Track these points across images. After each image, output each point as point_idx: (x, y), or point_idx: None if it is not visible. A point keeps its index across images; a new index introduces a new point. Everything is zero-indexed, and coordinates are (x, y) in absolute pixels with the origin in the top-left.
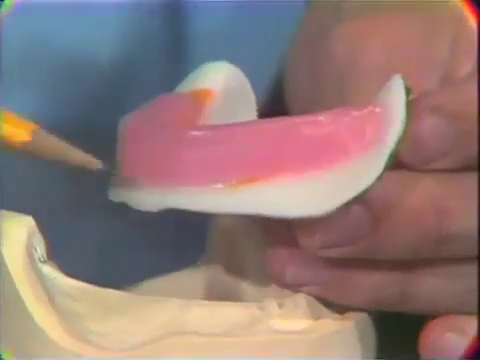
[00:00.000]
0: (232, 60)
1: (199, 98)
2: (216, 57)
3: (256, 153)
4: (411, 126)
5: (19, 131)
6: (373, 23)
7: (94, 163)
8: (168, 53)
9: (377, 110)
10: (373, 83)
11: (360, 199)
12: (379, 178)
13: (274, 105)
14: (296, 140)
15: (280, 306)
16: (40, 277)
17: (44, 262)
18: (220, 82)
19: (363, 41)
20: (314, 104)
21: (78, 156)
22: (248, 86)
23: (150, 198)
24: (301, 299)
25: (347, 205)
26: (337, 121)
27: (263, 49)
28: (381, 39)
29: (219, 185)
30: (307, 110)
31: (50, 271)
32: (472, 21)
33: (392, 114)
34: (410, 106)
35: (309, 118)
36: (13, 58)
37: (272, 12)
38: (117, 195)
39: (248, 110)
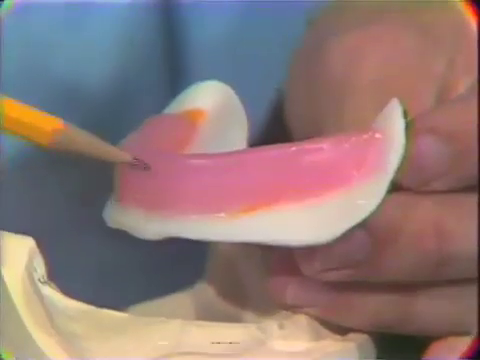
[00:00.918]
0: (231, 80)
1: (191, 118)
2: (214, 78)
3: (258, 181)
4: (411, 150)
5: (45, 127)
6: (369, 37)
7: (123, 156)
8: (165, 74)
9: (377, 136)
10: (369, 99)
11: (362, 226)
12: (381, 205)
13: (275, 124)
14: (297, 168)
15: (280, 327)
16: (40, 298)
17: (44, 283)
18: (211, 102)
19: (359, 56)
20: (312, 121)
21: (107, 149)
22: (239, 105)
23: (151, 227)
24: (302, 320)
25: (349, 233)
26: (338, 149)
27: (262, 68)
28: (377, 54)
29: (221, 214)
30: (306, 128)
31: (50, 292)
32: (472, 30)
33: (392, 140)
34: (409, 130)
35: (310, 145)
36: (9, 80)
37: (271, 31)
38: (116, 222)
39: (240, 129)
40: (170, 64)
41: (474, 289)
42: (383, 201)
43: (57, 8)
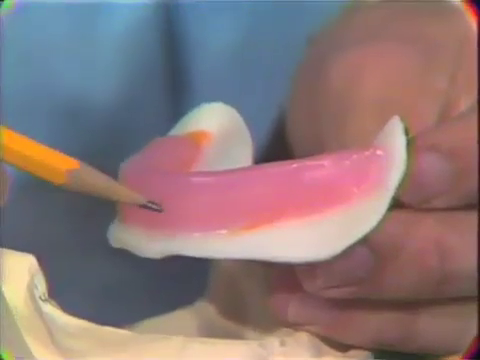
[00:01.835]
0: (233, 93)
1: (196, 140)
2: (217, 97)
3: (259, 199)
4: (412, 167)
5: (59, 166)
6: (370, 54)
7: (137, 198)
8: (168, 93)
9: (378, 153)
10: (370, 117)
11: (362, 243)
12: (381, 221)
13: (276, 140)
14: (298, 185)
15: (282, 344)
16: (41, 315)
17: (45, 300)
18: (216, 123)
19: (360, 73)
20: (314, 138)
21: (120, 190)
22: (244, 126)
23: (153, 245)
24: (303, 337)
25: (349, 249)
26: (339, 165)
27: (265, 79)
28: (378, 71)
29: (223, 231)
30: (307, 145)
31: (50, 309)
32: (472, 44)
33: (393, 157)
34: (410, 148)
35: (311, 162)
36: (12, 99)
37: (274, 43)
38: (118, 242)
39: (244, 150)
40: (173, 77)
41: (475, 308)
42: (384, 218)
43: (60, 23)
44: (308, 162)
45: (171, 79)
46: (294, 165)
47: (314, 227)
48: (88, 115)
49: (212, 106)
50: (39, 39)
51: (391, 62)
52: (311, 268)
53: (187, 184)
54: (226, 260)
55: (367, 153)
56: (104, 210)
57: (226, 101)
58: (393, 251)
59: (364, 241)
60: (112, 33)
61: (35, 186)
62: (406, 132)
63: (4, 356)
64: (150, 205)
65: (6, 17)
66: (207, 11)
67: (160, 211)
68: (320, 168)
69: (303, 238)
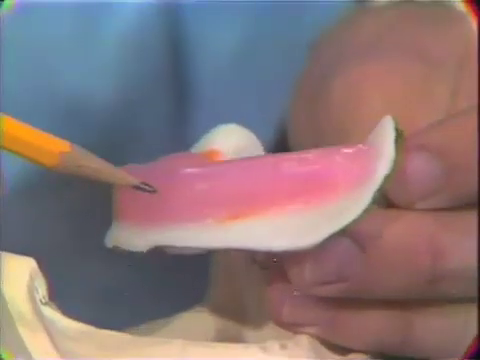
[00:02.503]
0: (235, 100)
1: (207, 158)
2: (218, 98)
3: (244, 189)
4: (400, 163)
5: (52, 148)
6: (371, 71)
7: (130, 179)
8: (170, 94)
9: (366, 147)
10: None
11: (345, 232)
12: (365, 212)
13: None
14: (282, 176)
15: (282, 347)
16: (41, 318)
17: (45, 304)
18: (229, 144)
19: (361, 91)
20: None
21: (113, 172)
22: (260, 148)
23: (139, 238)
24: (303, 340)
25: (332, 238)
26: (325, 158)
27: (265, 98)
28: (379, 89)
29: (208, 220)
30: None
31: (51, 312)
32: (473, 58)
33: (381, 151)
34: (400, 145)
35: (296, 155)
36: (13, 99)
37: (276, 52)
38: (110, 240)
39: None
40: (175, 78)
41: (474, 310)
42: (368, 209)
43: (63, 23)
44: (293, 155)
45: (173, 80)
46: (279, 157)
47: (297, 217)
48: (89, 115)
49: (227, 128)
50: (41, 39)
51: (392, 78)
52: (298, 264)
53: (172, 176)
54: (226, 262)
55: (355, 148)
56: (104, 213)
57: (227, 102)
58: (383, 248)
59: (346, 230)
60: (114, 33)
61: (35, 189)
62: (399, 133)
63: (4, 356)
64: (143, 186)
65: (8, 17)
66: (210, 12)
67: (154, 192)
68: (305, 160)
69: (286, 227)
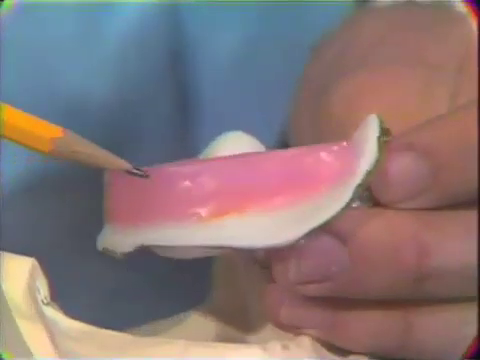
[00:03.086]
0: (236, 101)
1: None
2: (220, 99)
3: (226, 186)
4: (382, 160)
5: (44, 134)
6: (370, 81)
7: (122, 164)
8: (171, 95)
9: (347, 144)
10: None
11: (325, 227)
12: (344, 209)
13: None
14: (263, 173)
15: (284, 348)
16: (43, 319)
17: (47, 304)
18: (236, 150)
19: (360, 102)
20: None
21: (106, 157)
22: None
23: (124, 239)
24: (305, 341)
25: (312, 234)
26: (304, 155)
27: (266, 99)
28: (378, 99)
29: (192, 218)
30: None
31: (52, 313)
32: (473, 62)
33: (362, 147)
34: (384, 143)
35: (276, 152)
36: (14, 99)
37: (277, 60)
38: (101, 243)
39: None
40: (176, 78)
41: (474, 311)
42: (348, 204)
43: (64, 24)
44: (276, 152)
45: (174, 80)
46: (261, 155)
47: (278, 215)
48: (90, 115)
49: (234, 135)
50: (41, 39)
51: (390, 89)
52: (282, 262)
53: (155, 174)
54: (227, 263)
55: (338, 145)
56: (103, 212)
57: (228, 102)
58: (368, 246)
59: (326, 225)
60: (115, 33)
61: (36, 189)
62: (385, 131)
63: (4, 356)
64: (135, 171)
65: (8, 17)
66: (211, 13)
67: (146, 177)
68: (284, 157)
69: (265, 224)
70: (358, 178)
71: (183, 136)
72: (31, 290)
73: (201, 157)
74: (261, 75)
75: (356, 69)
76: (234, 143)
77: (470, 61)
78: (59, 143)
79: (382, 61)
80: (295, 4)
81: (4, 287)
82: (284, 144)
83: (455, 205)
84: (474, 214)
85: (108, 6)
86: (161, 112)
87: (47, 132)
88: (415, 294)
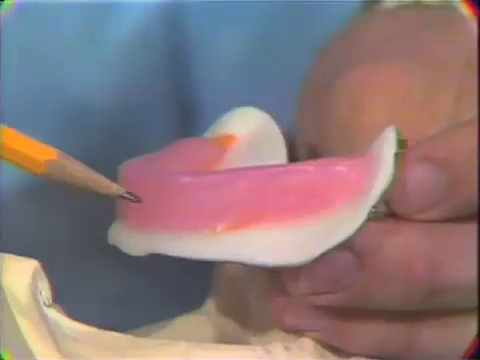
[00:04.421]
0: (237, 102)
1: (222, 143)
2: (221, 100)
3: (240, 200)
4: (399, 176)
5: (39, 157)
6: (374, 78)
7: (115, 189)
8: (173, 96)
9: (365, 160)
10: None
11: (340, 248)
12: (359, 229)
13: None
14: (280, 188)
15: (286, 349)
16: (45, 320)
17: (49, 306)
18: (247, 128)
19: (363, 99)
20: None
21: (100, 181)
22: (277, 132)
23: (136, 242)
24: (307, 342)
25: (327, 254)
26: (322, 171)
27: (268, 100)
28: (382, 96)
29: (205, 231)
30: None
31: (55, 314)
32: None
33: (379, 166)
34: (400, 158)
35: (295, 167)
36: (15, 99)
37: (279, 62)
38: (112, 238)
39: (277, 156)
40: (178, 79)
41: (474, 318)
42: (362, 226)
43: (66, 24)
44: (291, 167)
45: (176, 82)
46: (277, 169)
47: (293, 232)
48: (91, 116)
49: (244, 110)
50: (42, 39)
51: (395, 85)
52: (294, 273)
53: (170, 183)
54: (229, 264)
55: (353, 161)
56: (108, 214)
57: (229, 104)
58: (379, 260)
59: (342, 246)
60: (117, 34)
61: (38, 189)
62: (401, 143)
63: (4, 356)
64: (128, 196)
65: (8, 17)
66: (213, 14)
67: (139, 202)
68: (303, 173)
69: (281, 242)
70: (373, 199)
71: (184, 137)
72: (33, 292)
73: (209, 133)
74: (262, 76)
75: (360, 65)
76: (245, 119)
77: (475, 60)
78: (52, 166)
79: (386, 58)
80: (296, 5)
81: (6, 288)
82: (289, 145)
83: (465, 218)
84: None
85: (109, 7)
86: (162, 113)
87: (41, 155)
88: (424, 306)
